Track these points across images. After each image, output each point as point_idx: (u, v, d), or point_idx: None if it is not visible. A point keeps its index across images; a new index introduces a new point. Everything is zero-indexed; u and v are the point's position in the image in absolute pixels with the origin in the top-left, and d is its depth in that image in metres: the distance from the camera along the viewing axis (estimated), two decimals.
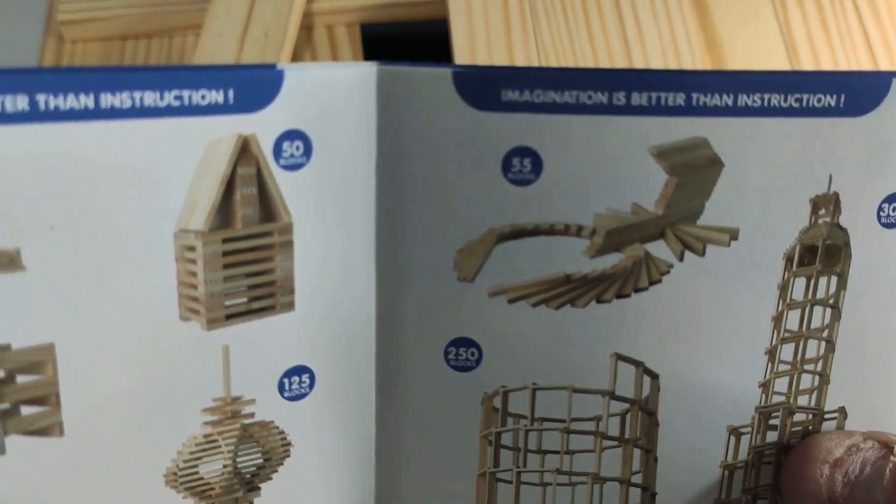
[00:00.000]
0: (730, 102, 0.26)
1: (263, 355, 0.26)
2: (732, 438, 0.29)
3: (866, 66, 0.47)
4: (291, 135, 0.25)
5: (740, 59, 0.47)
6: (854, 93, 0.26)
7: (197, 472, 0.27)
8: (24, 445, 0.24)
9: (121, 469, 0.26)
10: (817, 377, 0.29)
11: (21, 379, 0.24)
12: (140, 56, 0.52)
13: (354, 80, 0.25)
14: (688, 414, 0.29)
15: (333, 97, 0.25)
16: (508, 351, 0.28)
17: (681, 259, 0.27)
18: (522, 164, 0.26)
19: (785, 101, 0.26)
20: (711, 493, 0.30)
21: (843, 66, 0.47)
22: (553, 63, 0.44)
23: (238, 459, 0.27)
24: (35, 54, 0.52)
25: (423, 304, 0.27)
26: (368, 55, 0.53)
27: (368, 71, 0.25)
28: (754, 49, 0.47)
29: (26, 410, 0.25)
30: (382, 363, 0.28)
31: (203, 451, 0.27)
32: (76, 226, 0.23)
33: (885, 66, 0.47)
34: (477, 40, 0.47)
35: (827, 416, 0.29)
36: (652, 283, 0.27)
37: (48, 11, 0.54)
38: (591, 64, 0.45)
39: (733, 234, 0.27)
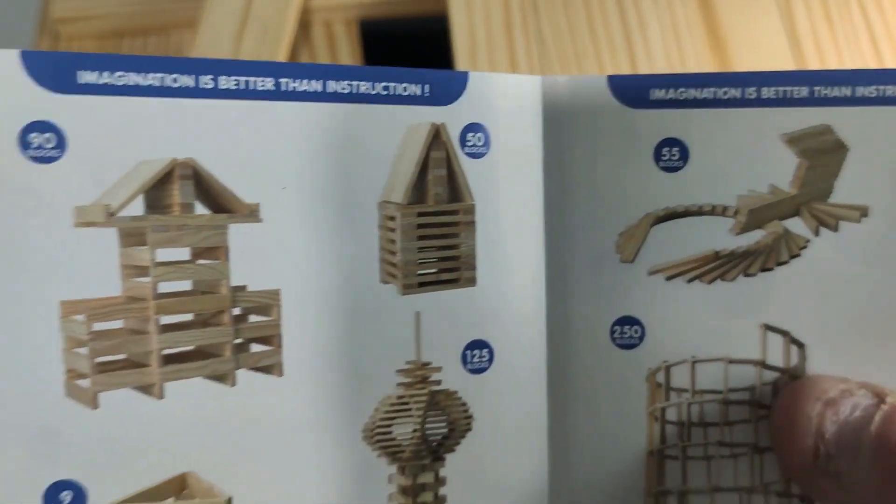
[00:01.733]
0: (848, 94, 0.30)
1: (449, 326, 0.30)
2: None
3: (871, 62, 0.48)
4: (474, 127, 0.30)
5: (744, 56, 0.48)
6: None
7: (390, 433, 0.30)
8: (251, 381, 0.29)
9: (326, 416, 0.29)
10: None
11: (253, 318, 0.29)
12: (136, 53, 0.51)
13: (524, 87, 0.30)
14: None
15: (507, 99, 0.30)
16: (668, 327, 0.31)
17: (816, 234, 0.31)
18: (671, 153, 0.31)
19: None
20: None
21: (848, 63, 0.47)
22: (553, 57, 0.45)
23: (426, 426, 0.30)
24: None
25: (589, 286, 0.31)
26: (367, 52, 0.52)
27: (535, 80, 0.30)
28: (758, 46, 0.48)
29: (255, 348, 0.29)
30: (553, 343, 0.31)
31: (396, 411, 0.30)
32: (305, 188, 0.28)
33: (889, 61, 0.48)
34: (477, 36, 0.48)
35: None
36: (792, 256, 0.31)
37: (42, 10, 0.54)
38: (591, 58, 0.46)
39: (863, 211, 0.31)
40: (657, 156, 0.31)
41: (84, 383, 0.27)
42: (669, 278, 0.31)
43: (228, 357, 0.29)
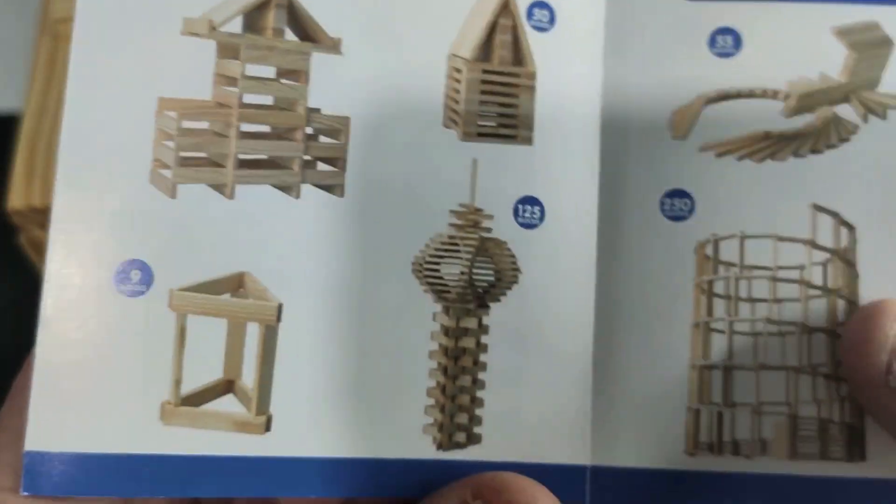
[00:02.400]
0: None
1: (503, 178, 0.32)
2: None
3: None
4: (541, 5, 0.33)
5: None
6: None
7: (438, 271, 0.31)
8: (315, 197, 0.31)
9: (381, 242, 0.31)
10: None
11: (322, 139, 0.31)
12: None
13: None
14: (893, 270, 0.31)
15: None
16: (718, 202, 0.32)
17: (865, 120, 0.32)
18: (725, 41, 0.33)
19: None
20: None
21: None
22: None
23: (474, 271, 0.31)
24: (29, 53, 0.51)
25: (642, 159, 0.33)
26: None
27: None
28: None
29: (321, 166, 0.31)
30: (604, 210, 0.33)
31: (446, 251, 0.31)
32: (380, 32, 0.32)
33: None
34: None
35: None
36: (841, 140, 0.32)
37: (42, 10, 0.54)
38: None
39: None
40: (712, 42, 0.33)
41: (167, 173, 0.30)
42: (720, 155, 0.32)
43: (296, 171, 0.31)
